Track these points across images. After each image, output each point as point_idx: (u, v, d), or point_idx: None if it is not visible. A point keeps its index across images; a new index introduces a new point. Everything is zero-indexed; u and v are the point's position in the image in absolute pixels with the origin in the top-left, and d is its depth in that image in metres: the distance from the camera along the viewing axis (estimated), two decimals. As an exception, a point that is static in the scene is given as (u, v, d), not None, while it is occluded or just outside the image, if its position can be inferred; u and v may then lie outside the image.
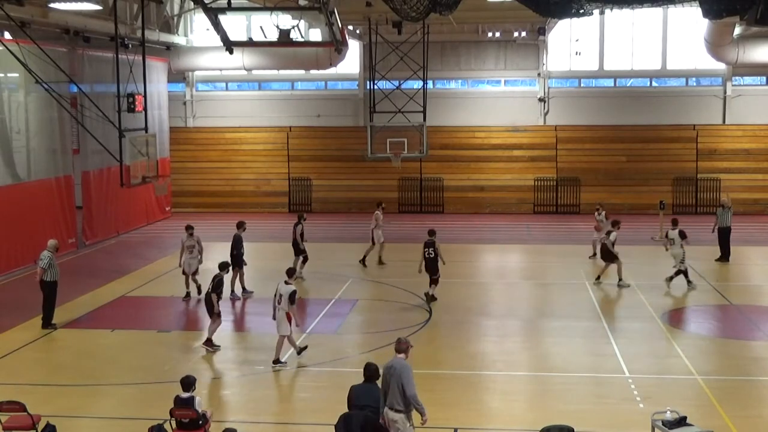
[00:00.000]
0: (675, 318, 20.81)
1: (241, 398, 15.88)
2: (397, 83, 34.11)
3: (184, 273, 23.13)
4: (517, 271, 27.92)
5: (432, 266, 22.23)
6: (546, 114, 38.69)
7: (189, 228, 23.24)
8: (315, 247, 27.04)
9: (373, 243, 27.48)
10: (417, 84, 34.48)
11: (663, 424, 12.04)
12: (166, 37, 35.41)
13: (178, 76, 38.72)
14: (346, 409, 11.78)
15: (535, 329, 20.22)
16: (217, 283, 18.35)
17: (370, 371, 12.17)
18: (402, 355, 11.75)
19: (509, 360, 17.82)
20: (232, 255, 23.11)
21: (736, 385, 16.17)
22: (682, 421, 12.01)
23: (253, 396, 15.95)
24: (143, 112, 26.09)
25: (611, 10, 19.39)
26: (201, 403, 12.51)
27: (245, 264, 23.66)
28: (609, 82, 39.07)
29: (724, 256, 27.75)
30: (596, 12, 21.68)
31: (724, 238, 27.80)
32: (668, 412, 12.21)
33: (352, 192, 38.81)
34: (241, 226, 23.66)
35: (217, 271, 18.86)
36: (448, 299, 22.78)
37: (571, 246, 30.33)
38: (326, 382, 16.45)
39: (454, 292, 23.43)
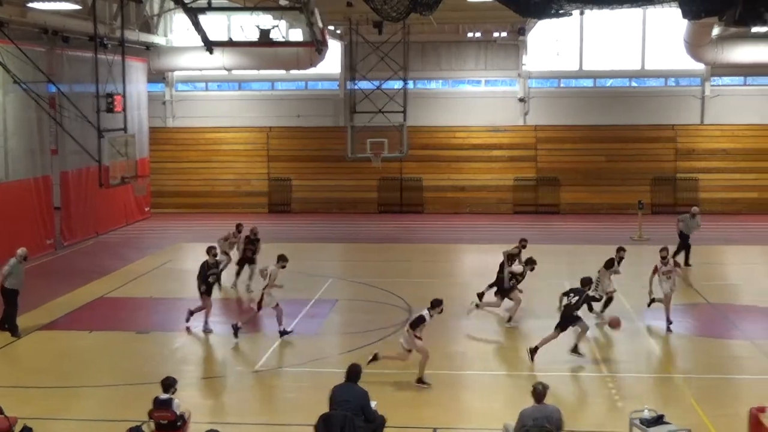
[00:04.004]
0: (653, 317, 20.88)
1: (222, 399, 15.84)
2: (377, 83, 34.15)
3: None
4: (497, 271, 27.93)
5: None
6: (526, 114, 38.79)
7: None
8: (295, 247, 27.02)
9: None
10: (397, 84, 34.55)
11: (641, 423, 12.11)
12: (145, 37, 35.26)
13: (157, 76, 38.57)
14: (326, 410, 11.79)
15: (514, 328, 20.26)
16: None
17: (353, 372, 12.20)
18: None
19: (488, 359, 17.87)
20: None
21: (714, 383, 16.28)
22: (659, 420, 12.09)
23: (235, 397, 15.92)
24: (122, 112, 26.02)
25: (591, 10, 19.45)
26: (179, 405, 12.47)
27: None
28: (589, 82, 39.22)
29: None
30: (576, 12, 21.76)
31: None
32: (646, 411, 12.28)
33: (332, 192, 38.79)
34: (210, 251, 20.51)
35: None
36: (426, 299, 22.76)
37: (550, 246, 30.40)
38: (306, 382, 16.43)
39: (433, 292, 23.35)
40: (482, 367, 17.34)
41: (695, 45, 35.34)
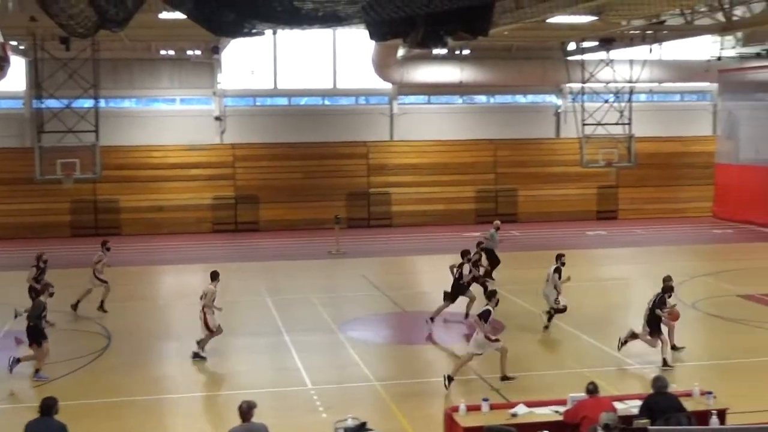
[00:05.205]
0: (353, 328, 21.58)
1: None
2: (66, 102, 32.68)
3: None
4: (197, 291, 27.65)
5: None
6: (223, 132, 38.77)
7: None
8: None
9: None
10: (88, 102, 33.25)
11: (345, 431, 12.43)
12: None
13: None
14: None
15: (218, 348, 20.11)
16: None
17: (47, 405, 11.57)
18: None
19: (192, 381, 17.64)
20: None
21: (411, 387, 17.05)
22: (362, 427, 12.46)
23: None
24: None
25: (283, 30, 19.82)
26: None
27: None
28: (284, 101, 39.89)
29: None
30: (269, 32, 22.09)
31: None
32: (349, 419, 12.60)
33: (20, 216, 36.61)
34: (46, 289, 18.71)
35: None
36: (126, 324, 22.17)
37: (251, 263, 30.57)
38: (-4, 420, 15.39)
39: (134, 316, 22.84)
40: (186, 390, 17.08)
41: (382, 65, 37.10)
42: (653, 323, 18.00)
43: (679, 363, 17.91)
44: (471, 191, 40.25)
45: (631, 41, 34.91)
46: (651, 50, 35.82)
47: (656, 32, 33.37)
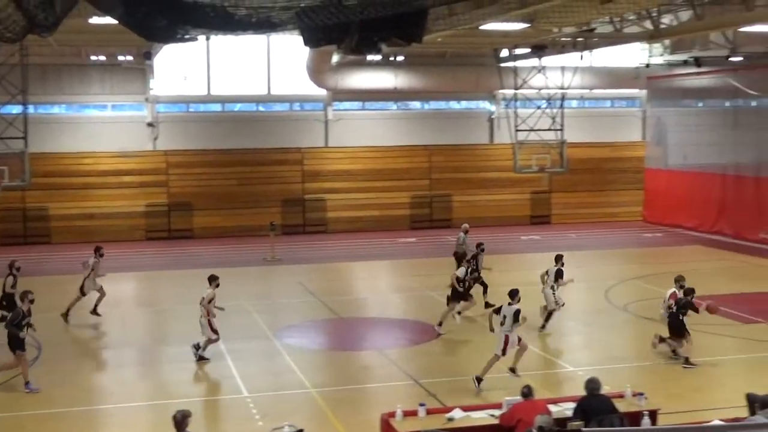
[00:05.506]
0: (288, 335, 21.49)
1: None
2: (-7, 108, 32.06)
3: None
4: (131, 298, 27.37)
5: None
6: (156, 139, 38.34)
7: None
8: None
9: None
10: (16, 109, 32.63)
11: (281, 439, 12.38)
12: None
13: None
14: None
15: (152, 357, 19.91)
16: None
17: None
18: None
19: (127, 391, 17.38)
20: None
21: (347, 393, 17.04)
22: (299, 434, 12.44)
23: None
24: None
25: (216, 35, 19.67)
26: None
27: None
28: (217, 107, 39.59)
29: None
30: (202, 37, 21.89)
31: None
32: (286, 427, 12.56)
33: (-54, 225, 35.79)
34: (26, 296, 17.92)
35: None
36: (57, 333, 21.77)
37: (184, 271, 30.25)
38: None
39: (64, 326, 22.46)
40: (121, 400, 16.83)
41: (317, 71, 37.07)
42: (676, 327, 18.39)
43: (610, 365, 18.18)
44: (406, 197, 40.39)
45: (562, 48, 35.40)
46: (582, 57, 36.38)
47: (587, 39, 33.89)
